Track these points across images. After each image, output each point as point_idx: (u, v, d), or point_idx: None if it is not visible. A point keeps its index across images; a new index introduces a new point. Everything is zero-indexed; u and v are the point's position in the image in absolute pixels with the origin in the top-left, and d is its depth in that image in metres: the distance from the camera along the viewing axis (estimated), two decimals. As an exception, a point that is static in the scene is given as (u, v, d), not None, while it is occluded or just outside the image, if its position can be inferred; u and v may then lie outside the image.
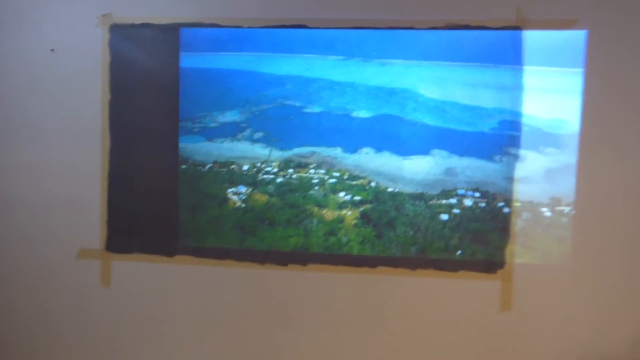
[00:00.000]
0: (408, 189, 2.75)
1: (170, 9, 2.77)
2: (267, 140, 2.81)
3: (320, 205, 2.77)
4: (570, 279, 2.65)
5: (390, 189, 2.74)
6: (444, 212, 2.73)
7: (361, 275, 2.76)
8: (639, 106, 2.59)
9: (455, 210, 2.71)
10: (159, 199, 2.82)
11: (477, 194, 2.70)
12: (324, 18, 2.69)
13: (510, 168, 2.67)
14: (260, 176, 2.81)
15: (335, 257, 2.76)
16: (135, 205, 2.83)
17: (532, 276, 2.67)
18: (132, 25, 2.78)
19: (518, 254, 2.69)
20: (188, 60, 2.79)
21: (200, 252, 2.81)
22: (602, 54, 2.58)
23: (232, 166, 2.82)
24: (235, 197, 2.82)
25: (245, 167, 2.83)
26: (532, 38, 2.63)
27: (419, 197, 2.74)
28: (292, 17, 2.71)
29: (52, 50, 2.82)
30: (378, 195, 2.75)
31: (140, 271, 2.86)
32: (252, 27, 2.74)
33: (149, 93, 2.79)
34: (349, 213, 2.76)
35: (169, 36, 2.76)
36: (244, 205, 2.83)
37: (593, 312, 2.64)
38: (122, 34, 2.79)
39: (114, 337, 2.92)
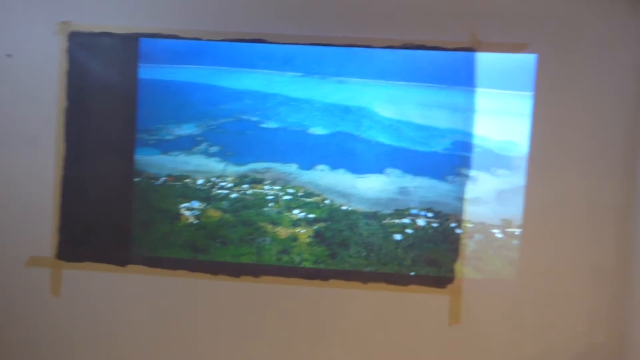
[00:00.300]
0: (362, 208, 2.79)
1: (130, 18, 2.76)
2: (222, 155, 2.82)
3: (274, 223, 2.79)
4: (517, 294, 2.72)
5: (344, 207, 2.78)
6: (398, 232, 2.78)
7: (313, 288, 2.79)
8: (586, 129, 2.67)
9: (409, 231, 2.76)
10: (113, 208, 2.81)
11: (430, 214, 2.76)
12: (283, 33, 2.71)
13: (463, 189, 2.74)
14: (215, 191, 2.81)
15: (288, 269, 2.79)
16: (88, 213, 2.81)
17: (480, 291, 2.74)
18: (91, 34, 2.77)
19: (469, 274, 2.75)
20: (146, 72, 2.79)
21: (154, 262, 2.81)
22: (551, 78, 2.66)
23: (187, 180, 2.82)
24: (188, 213, 2.81)
25: (200, 182, 2.83)
26: (485, 61, 2.70)
27: (373, 215, 2.78)
28: (251, 32, 2.72)
29: (8, 55, 2.79)
30: (332, 214, 2.78)
31: (92, 280, 2.84)
32: (211, 40, 2.75)
33: (106, 102, 2.78)
34: (303, 231, 2.79)
35: (128, 46, 2.76)
36: (196, 221, 2.82)
37: (538, 326, 2.72)
38: (80, 42, 2.77)
39: (64, 348, 2.88)
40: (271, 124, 2.79)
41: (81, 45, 2.77)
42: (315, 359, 2.80)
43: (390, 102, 2.76)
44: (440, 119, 2.74)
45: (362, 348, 2.78)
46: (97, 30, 2.77)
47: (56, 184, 2.82)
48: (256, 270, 2.80)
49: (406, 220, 2.75)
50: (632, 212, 2.66)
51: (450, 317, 2.74)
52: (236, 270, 2.80)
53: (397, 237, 2.75)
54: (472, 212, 2.73)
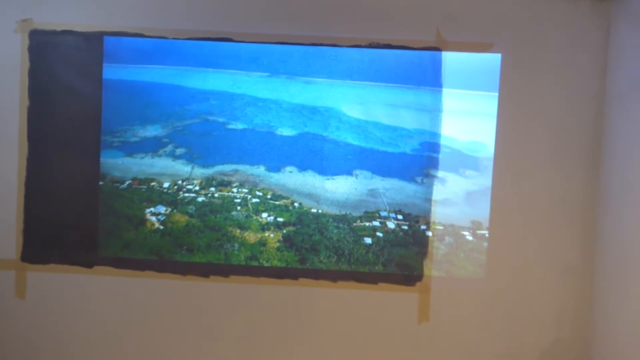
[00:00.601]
0: (332, 210, 2.78)
1: (94, 16, 2.72)
2: (189, 157, 2.78)
3: (243, 227, 2.77)
4: (485, 291, 2.76)
5: (313, 210, 2.77)
6: (368, 236, 2.77)
7: (283, 287, 2.78)
8: (550, 128, 2.71)
9: (379, 234, 2.76)
10: (78, 209, 2.77)
11: (400, 216, 2.76)
12: (249, 32, 2.69)
13: (431, 190, 2.75)
14: (181, 194, 2.77)
15: (257, 269, 2.78)
16: (53, 215, 2.78)
17: (448, 289, 2.76)
18: (54, 32, 2.71)
19: (439, 275, 2.76)
20: (111, 71, 2.75)
21: (120, 263, 2.78)
22: (516, 78, 2.68)
23: (152, 183, 2.78)
24: (153, 218, 2.77)
25: (166, 185, 2.79)
26: (451, 61, 2.71)
27: (343, 219, 2.77)
28: (217, 30, 2.70)
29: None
30: (301, 217, 2.77)
31: (58, 282, 2.81)
32: (177, 39, 2.72)
33: (70, 102, 2.74)
34: (272, 235, 2.77)
35: (92, 45, 2.71)
36: (162, 227, 2.78)
37: (506, 322, 2.76)
38: (42, 41, 2.72)
39: (29, 351, 2.84)
40: (238, 125, 2.77)
41: (43, 44, 2.72)
42: (286, 357, 2.79)
43: (357, 102, 2.75)
44: (408, 120, 2.75)
45: (331, 346, 2.80)
46: (59, 28, 2.72)
47: (20, 185, 2.77)
48: (225, 270, 2.79)
49: (376, 223, 2.75)
50: (595, 210, 2.70)
51: (419, 315, 2.77)
52: (205, 270, 2.78)
53: (368, 240, 2.76)
54: (442, 214, 2.74)
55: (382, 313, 2.78)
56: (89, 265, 2.79)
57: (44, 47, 2.72)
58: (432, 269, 2.76)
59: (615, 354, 2.45)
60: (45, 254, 2.80)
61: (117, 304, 2.81)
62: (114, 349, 2.82)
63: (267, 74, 2.75)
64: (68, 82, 2.72)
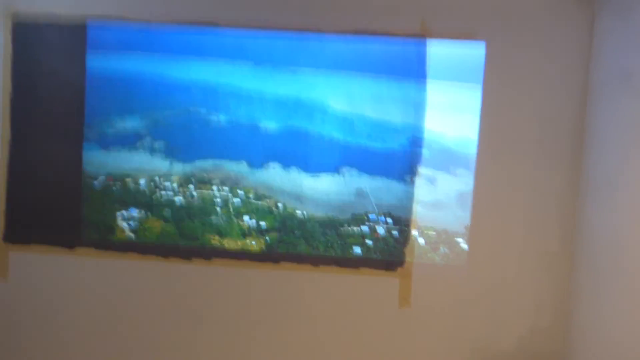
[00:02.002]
0: (317, 213, 2.70)
1: (77, 2, 2.70)
2: (168, 151, 2.70)
3: (222, 234, 2.70)
4: (465, 279, 2.76)
5: (298, 212, 2.68)
6: (357, 244, 2.73)
7: (265, 270, 2.79)
8: (533, 119, 2.70)
9: (369, 242, 2.73)
10: (62, 190, 2.77)
11: (390, 220, 2.71)
12: (234, 18, 2.68)
13: (422, 190, 2.73)
14: (158, 193, 2.69)
15: (240, 252, 2.78)
16: (36, 196, 2.78)
17: (429, 275, 2.77)
18: (37, 18, 2.71)
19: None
20: (94, 59, 2.72)
21: (103, 244, 2.78)
22: (500, 68, 2.68)
23: (127, 179, 2.69)
24: (124, 225, 2.69)
25: (142, 182, 2.70)
26: (437, 52, 2.68)
27: (329, 223, 2.70)
28: (203, 16, 2.69)
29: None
30: (285, 221, 2.69)
31: (40, 263, 2.80)
32: (161, 23, 2.71)
33: (53, 89, 2.74)
34: (254, 243, 2.69)
35: (76, 31, 2.70)
36: (133, 235, 2.70)
37: (486, 310, 2.76)
38: (25, 26, 2.71)
39: (11, 332, 2.85)
40: (220, 117, 2.68)
41: (26, 29, 2.71)
42: (267, 341, 2.81)
43: (343, 94, 2.70)
44: (395, 113, 2.70)
45: (313, 330, 2.80)
46: (42, 15, 2.71)
47: (2, 167, 2.77)
48: (207, 253, 2.79)
49: (365, 228, 2.71)
50: (575, 200, 2.71)
51: (400, 300, 2.77)
52: (187, 253, 2.78)
53: (357, 250, 2.72)
54: (434, 218, 2.70)
55: (363, 298, 2.78)
56: (71, 246, 2.79)
57: (27, 33, 2.71)
58: (414, 255, 2.75)
59: (593, 342, 2.46)
60: (27, 234, 2.79)
61: (99, 285, 2.82)
62: (96, 330, 2.83)
63: (251, 63, 2.70)
64: (51, 68, 2.71)
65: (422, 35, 2.70)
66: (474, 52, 2.68)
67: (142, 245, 2.79)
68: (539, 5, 2.66)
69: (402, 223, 2.72)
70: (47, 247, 2.80)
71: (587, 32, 2.65)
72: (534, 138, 2.72)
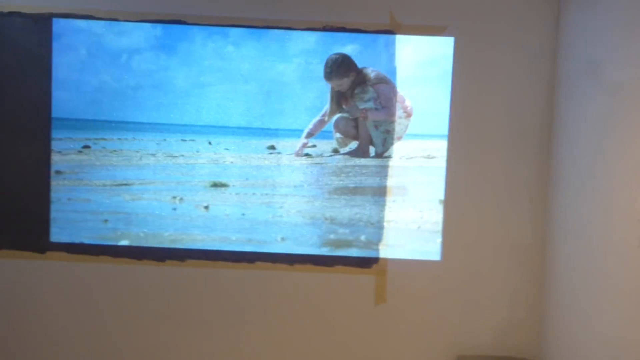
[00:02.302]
0: None
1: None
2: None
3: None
4: (440, 273, 2.78)
5: None
6: None
7: (240, 270, 2.78)
8: (503, 111, 2.73)
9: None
10: (29, 193, 2.72)
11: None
12: (202, 15, 2.67)
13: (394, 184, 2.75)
14: None
15: (214, 253, 2.77)
16: (2, 199, 2.72)
17: (405, 271, 2.78)
18: (1, 13, 2.66)
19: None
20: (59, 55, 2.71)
21: (74, 248, 2.74)
22: (469, 62, 2.70)
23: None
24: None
25: None
26: (406, 47, 2.71)
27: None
28: (170, 12, 2.68)
29: None
30: None
31: (8, 269, 2.75)
32: (129, 21, 2.69)
33: (18, 86, 2.70)
34: None
35: (41, 26, 2.67)
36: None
37: (461, 304, 2.78)
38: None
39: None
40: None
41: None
42: (242, 341, 2.80)
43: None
44: None
45: (290, 329, 2.80)
46: (6, 9, 2.67)
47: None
48: (181, 255, 2.77)
49: None
50: (546, 192, 2.73)
51: (377, 296, 2.78)
52: (161, 255, 2.76)
53: None
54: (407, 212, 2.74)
55: (339, 295, 2.79)
56: (41, 250, 2.75)
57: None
58: (388, 251, 2.76)
59: (566, 333, 2.47)
60: (-5, 239, 2.74)
61: (71, 290, 2.78)
62: (68, 335, 2.79)
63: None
64: (15, 64, 2.67)
65: (391, 30, 2.70)
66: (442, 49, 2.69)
67: (114, 248, 2.75)
68: (506, 0, 2.67)
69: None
70: (17, 252, 2.74)
71: (554, 24, 2.68)
72: (503, 131, 2.74)
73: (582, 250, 2.39)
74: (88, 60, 2.73)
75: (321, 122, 2.70)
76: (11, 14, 2.67)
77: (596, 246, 2.26)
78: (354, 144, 2.79)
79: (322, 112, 2.71)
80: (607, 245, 2.17)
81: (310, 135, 2.69)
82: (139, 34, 2.73)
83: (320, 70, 2.74)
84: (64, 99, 2.75)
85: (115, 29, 2.73)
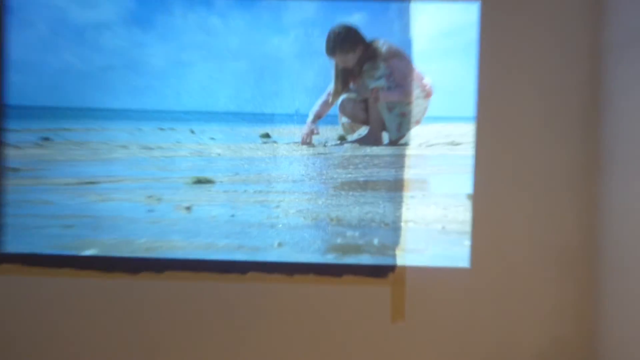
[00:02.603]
0: None
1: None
2: None
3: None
4: (470, 283, 2.37)
5: None
6: None
7: (229, 283, 2.38)
8: (538, 90, 2.36)
9: None
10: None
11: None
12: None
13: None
14: None
15: (198, 262, 2.36)
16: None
17: (427, 281, 2.38)
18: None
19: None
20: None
21: (31, 259, 2.34)
22: (497, 30, 2.34)
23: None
24: None
25: None
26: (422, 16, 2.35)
27: None
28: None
29: None
30: None
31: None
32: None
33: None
34: None
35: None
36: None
37: (495, 320, 2.37)
38: None
39: None
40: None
41: None
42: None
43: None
44: None
45: (289, 353, 2.39)
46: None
47: None
48: (159, 265, 2.37)
49: None
50: (594, 183, 2.34)
51: (393, 312, 2.38)
52: (134, 265, 2.36)
53: None
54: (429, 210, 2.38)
55: (348, 312, 2.39)
56: (-8, 263, 2.34)
57: None
58: (407, 257, 2.36)
59: (623, 351, 2.12)
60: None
61: (27, 307, 2.39)
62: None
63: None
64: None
65: None
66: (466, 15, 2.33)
67: (78, 259, 2.34)
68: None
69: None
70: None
71: (596, -12, 2.30)
72: (540, 112, 2.36)
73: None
74: (48, 38, 2.32)
75: (326, 104, 2.30)
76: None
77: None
78: (363, 130, 2.39)
79: (327, 91, 2.31)
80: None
81: (318, 117, 2.29)
82: (108, 6, 2.34)
83: (321, 43, 2.34)
84: (20, 83, 2.34)
85: (81, 0, 2.33)
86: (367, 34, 2.36)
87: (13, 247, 2.36)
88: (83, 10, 2.34)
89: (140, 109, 2.37)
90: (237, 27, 2.35)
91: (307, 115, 2.37)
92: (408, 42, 2.37)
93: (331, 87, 2.33)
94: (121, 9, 2.34)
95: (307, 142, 2.32)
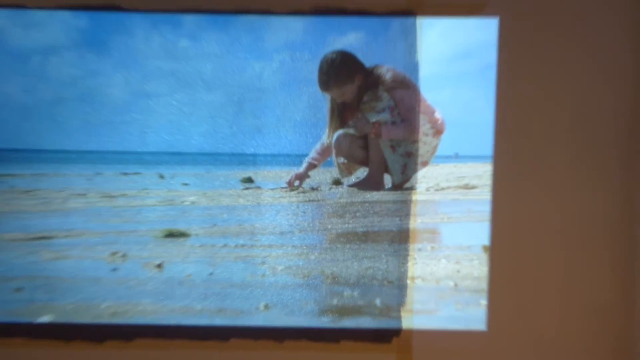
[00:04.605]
0: None
1: None
2: None
3: None
4: (486, 348, 2.07)
5: None
6: None
7: (209, 352, 2.07)
8: (567, 121, 2.03)
9: None
10: None
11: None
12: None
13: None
14: None
15: (172, 328, 2.04)
16: None
17: (437, 347, 2.07)
18: None
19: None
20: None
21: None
22: (519, 50, 2.03)
23: None
24: None
25: None
26: (431, 32, 1.99)
27: None
28: (99, -5, 1.93)
29: None
30: None
31: None
32: (43, 8, 1.93)
33: None
34: None
35: None
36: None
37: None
38: None
39: None
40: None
41: None
42: None
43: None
44: None
45: None
46: None
47: None
48: (127, 333, 2.04)
49: None
50: (632, 230, 2.03)
51: (399, 382, 2.04)
52: (98, 334, 2.03)
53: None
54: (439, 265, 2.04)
55: (347, 384, 2.05)
56: None
57: None
58: (414, 319, 2.04)
59: None
60: None
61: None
62: None
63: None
64: None
65: (409, 12, 1.99)
66: (482, 34, 1.98)
67: (31, 328, 2.01)
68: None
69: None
70: None
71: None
72: (570, 148, 2.03)
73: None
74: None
75: (323, 150, 1.94)
76: None
77: None
78: (362, 172, 2.03)
79: (321, 141, 1.96)
80: None
81: (312, 167, 1.94)
82: (55, 27, 1.95)
83: (311, 69, 1.97)
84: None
85: (23, 20, 1.95)
86: (366, 58, 1.99)
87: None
88: (25, 32, 1.95)
89: (99, 149, 2.00)
90: (211, 51, 1.97)
91: (294, 155, 2.02)
92: (414, 67, 2.00)
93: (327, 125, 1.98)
94: (70, 29, 1.96)
95: (294, 185, 1.97)
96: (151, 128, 2.00)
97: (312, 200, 2.05)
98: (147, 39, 1.97)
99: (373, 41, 2.00)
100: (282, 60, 1.99)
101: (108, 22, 1.97)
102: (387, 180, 2.03)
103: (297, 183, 1.98)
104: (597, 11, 2.01)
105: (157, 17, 1.97)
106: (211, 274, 2.05)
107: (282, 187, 2.00)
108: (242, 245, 2.04)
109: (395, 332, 2.09)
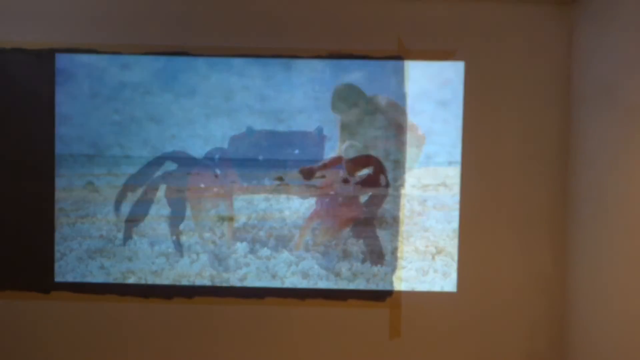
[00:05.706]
0: None
1: (45, 33, 2.63)
2: None
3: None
4: (456, 305, 2.69)
5: None
6: None
7: (249, 306, 2.70)
8: (517, 135, 2.66)
9: None
10: (32, 232, 2.66)
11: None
12: (206, 45, 2.62)
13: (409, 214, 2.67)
14: None
15: (223, 289, 2.69)
16: (5, 239, 2.66)
17: (419, 303, 2.69)
18: (3, 50, 2.62)
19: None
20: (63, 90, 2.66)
21: (79, 287, 2.67)
22: (480, 86, 2.63)
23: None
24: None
25: None
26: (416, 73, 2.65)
27: None
28: (173, 44, 2.63)
29: None
30: None
31: (12, 310, 2.68)
32: (132, 54, 2.64)
33: (21, 122, 2.64)
34: None
35: (44, 62, 2.62)
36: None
37: (479, 337, 2.69)
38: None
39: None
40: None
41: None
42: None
43: None
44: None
45: (302, 365, 2.68)
46: (9, 45, 2.63)
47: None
48: (189, 292, 2.69)
49: None
50: (565, 217, 2.64)
51: (391, 331, 2.69)
52: (168, 292, 2.68)
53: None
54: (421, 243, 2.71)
55: (352, 330, 2.70)
56: (45, 290, 2.68)
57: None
58: (402, 283, 2.67)
59: None
60: (-1, 280, 2.68)
61: (76, 330, 2.70)
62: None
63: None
64: (19, 101, 2.63)
65: (399, 56, 2.64)
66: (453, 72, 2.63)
67: (119, 287, 2.68)
68: (516, 21, 2.62)
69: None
70: (21, 292, 2.68)
71: (567, 44, 2.62)
72: (518, 156, 2.67)
73: (605, 277, 2.29)
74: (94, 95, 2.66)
75: (334, 158, 2.63)
76: (14, 50, 2.62)
77: (618, 272, 2.17)
78: (364, 172, 2.69)
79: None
80: (633, 272, 2.07)
81: (324, 167, 2.61)
82: (140, 67, 2.66)
83: (327, 97, 2.65)
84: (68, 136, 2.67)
85: (118, 62, 2.65)
86: (367, 89, 2.66)
87: (62, 277, 2.69)
88: (121, 71, 2.66)
89: (171, 155, 2.69)
90: (254, 84, 2.66)
91: (312, 161, 2.69)
92: (403, 96, 2.67)
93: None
94: (152, 69, 2.66)
95: (308, 175, 2.63)
96: (201, 138, 2.69)
97: (327, 194, 2.72)
98: (207, 76, 2.68)
99: (373, 77, 2.68)
100: (306, 91, 2.68)
101: (179, 63, 2.67)
102: (382, 179, 2.68)
103: (310, 174, 2.62)
104: (537, 54, 2.62)
105: (214, 60, 2.66)
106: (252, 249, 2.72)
107: (307, 184, 2.66)
108: (274, 227, 2.72)
109: (389, 293, 2.73)
